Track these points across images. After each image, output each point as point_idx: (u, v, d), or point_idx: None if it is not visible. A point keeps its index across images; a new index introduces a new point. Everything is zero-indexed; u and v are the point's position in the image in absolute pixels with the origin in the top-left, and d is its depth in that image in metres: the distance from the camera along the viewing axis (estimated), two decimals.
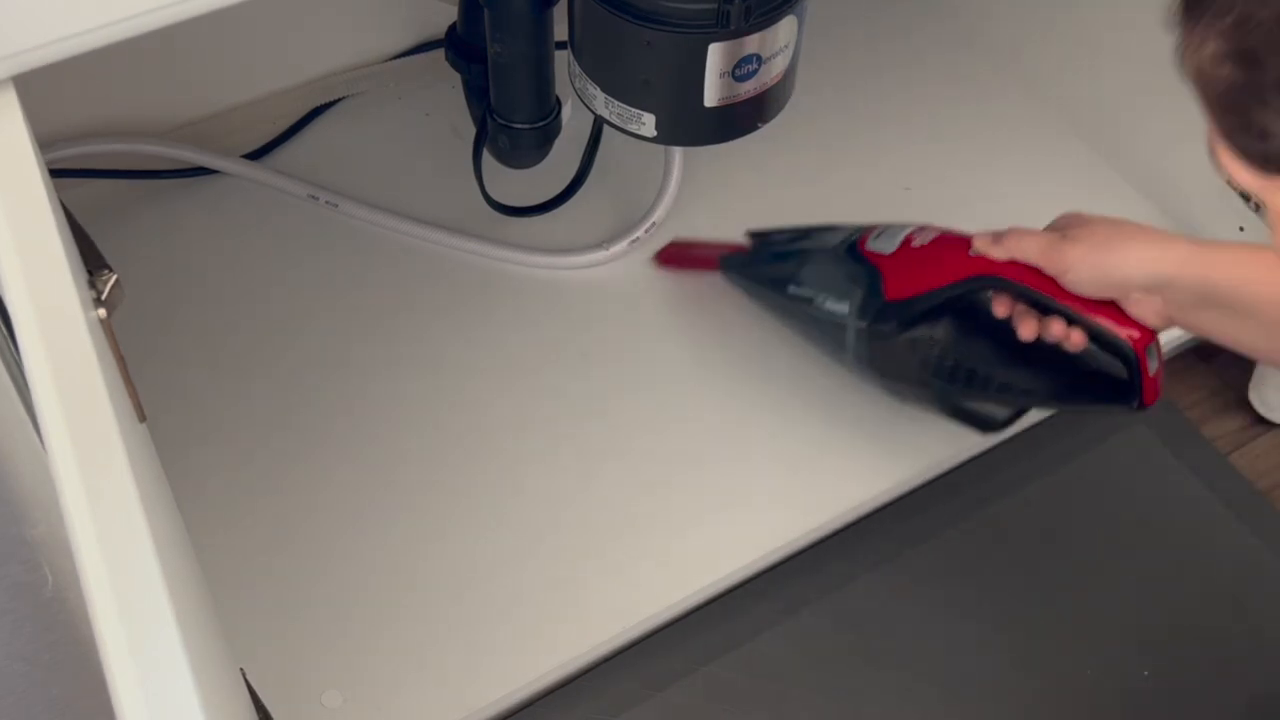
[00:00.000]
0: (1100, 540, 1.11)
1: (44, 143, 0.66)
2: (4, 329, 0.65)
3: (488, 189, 1.16)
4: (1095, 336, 0.92)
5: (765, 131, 1.02)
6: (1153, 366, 0.93)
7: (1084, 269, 0.90)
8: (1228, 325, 0.89)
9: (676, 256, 1.19)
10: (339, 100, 1.28)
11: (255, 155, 1.24)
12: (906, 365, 1.03)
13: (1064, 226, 0.95)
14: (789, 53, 0.98)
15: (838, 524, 1.08)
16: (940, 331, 1.00)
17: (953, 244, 0.99)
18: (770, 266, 1.12)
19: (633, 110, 0.99)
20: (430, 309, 1.16)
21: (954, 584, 1.07)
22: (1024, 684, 1.03)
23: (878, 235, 1.03)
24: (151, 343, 1.09)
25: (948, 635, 1.05)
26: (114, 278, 0.64)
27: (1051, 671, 1.04)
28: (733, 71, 0.95)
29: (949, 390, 1.03)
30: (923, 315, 0.99)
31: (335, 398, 1.10)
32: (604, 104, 1.00)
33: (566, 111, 1.11)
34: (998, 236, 0.95)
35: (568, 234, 1.20)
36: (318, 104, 1.27)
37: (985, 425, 1.07)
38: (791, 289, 1.08)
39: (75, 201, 0.71)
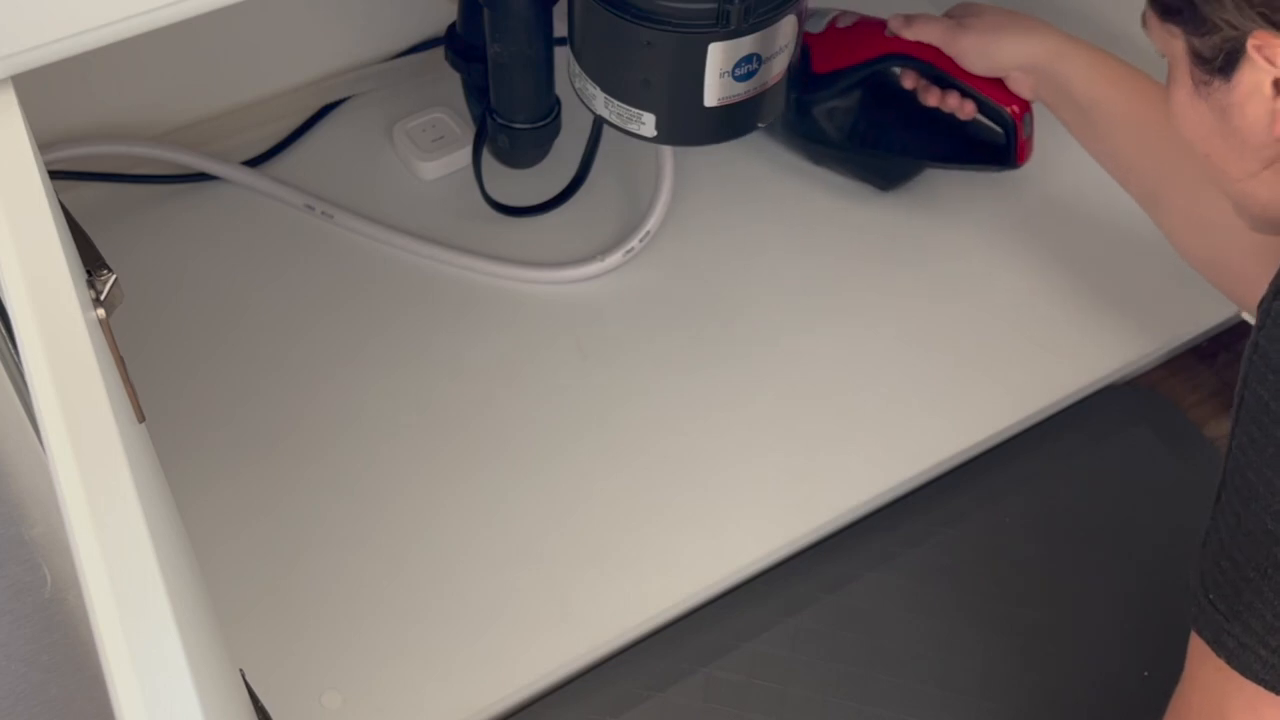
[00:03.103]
0: (1099, 540, 1.10)
1: (43, 144, 0.66)
2: (4, 329, 0.65)
3: (487, 189, 1.16)
4: (983, 108, 1.13)
5: (763, 133, 1.02)
6: (1027, 132, 1.14)
7: (974, 53, 1.09)
8: (1070, 115, 1.08)
9: None
10: (339, 102, 1.28)
11: (257, 159, 1.23)
12: (826, 130, 1.20)
13: (961, 15, 1.12)
14: (789, 52, 0.98)
15: (838, 524, 1.08)
16: (856, 101, 1.19)
17: (871, 26, 1.16)
18: None
19: (633, 110, 0.98)
20: (427, 317, 1.15)
21: (954, 584, 1.07)
22: (1024, 684, 1.03)
23: (808, 16, 1.12)
24: (151, 343, 1.09)
25: (947, 635, 1.05)
26: (113, 278, 0.64)
27: (1051, 671, 1.04)
28: (733, 71, 0.95)
29: (860, 152, 1.22)
30: (844, 87, 1.17)
31: (335, 399, 1.10)
32: (604, 104, 1.00)
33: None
34: (908, 19, 1.13)
35: (564, 245, 1.19)
36: (317, 106, 1.27)
37: (882, 183, 1.24)
38: None
39: (74, 203, 0.71)
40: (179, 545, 0.71)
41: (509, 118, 1.08)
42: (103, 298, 0.63)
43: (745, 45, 0.94)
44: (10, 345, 0.64)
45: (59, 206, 0.64)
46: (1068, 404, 1.16)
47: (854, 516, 1.09)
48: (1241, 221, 0.83)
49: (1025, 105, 1.12)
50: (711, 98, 0.97)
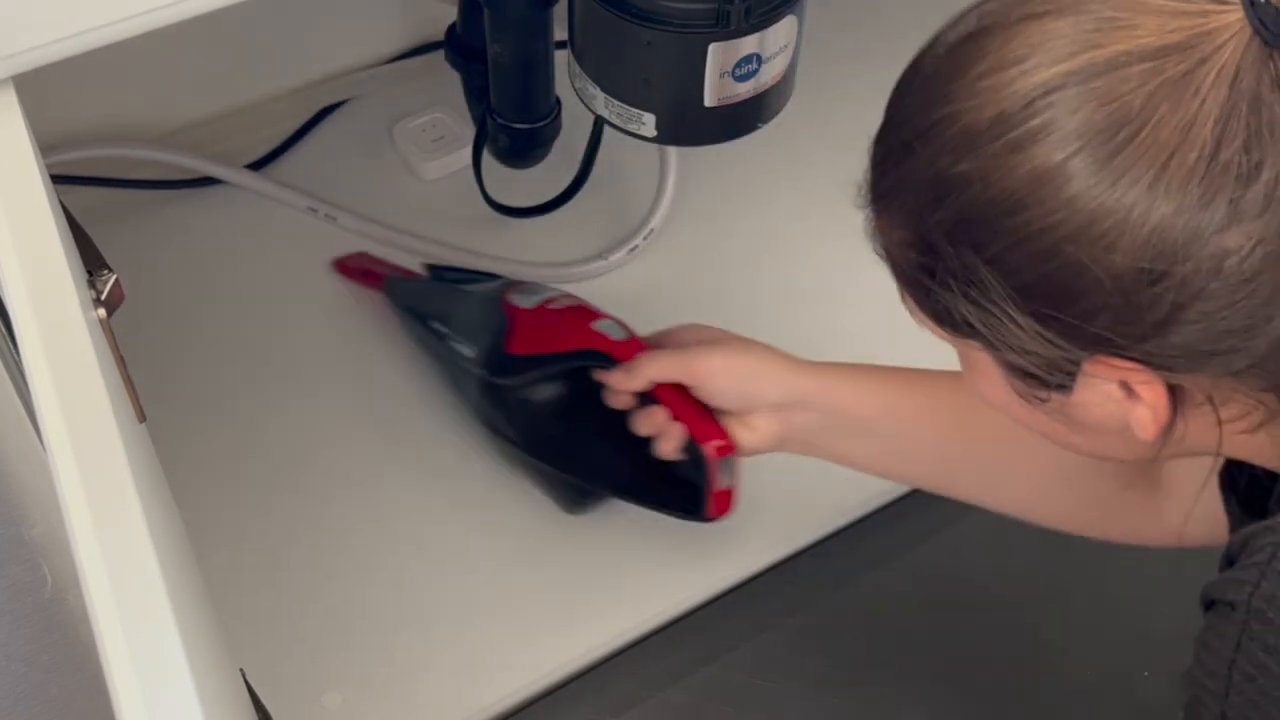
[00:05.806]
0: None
1: (44, 147, 0.66)
2: (4, 329, 0.65)
3: (488, 189, 1.16)
4: (686, 442, 0.92)
5: (763, 132, 1.02)
6: (724, 481, 0.93)
7: (724, 376, 0.90)
8: (853, 448, 0.91)
9: (353, 269, 1.16)
10: (339, 104, 1.28)
11: (258, 162, 1.23)
12: (511, 424, 1.03)
13: (687, 339, 0.93)
14: (789, 53, 0.98)
15: (838, 524, 1.08)
16: (549, 399, 1.01)
17: (582, 314, 0.99)
18: (423, 298, 1.11)
19: (633, 110, 0.98)
20: None
21: (954, 584, 1.07)
22: (1024, 683, 1.03)
23: (525, 290, 1.03)
24: (151, 343, 1.09)
25: (947, 635, 1.05)
26: (113, 278, 0.64)
27: (1051, 671, 1.04)
28: (732, 71, 0.95)
29: (541, 460, 1.03)
30: (537, 377, 1.00)
31: (336, 399, 1.10)
32: (604, 104, 1.00)
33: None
34: (630, 369, 0.92)
35: (565, 244, 1.20)
36: (317, 108, 1.27)
37: (566, 504, 1.04)
38: (433, 323, 1.07)
39: (75, 205, 0.71)
40: (179, 545, 0.71)
41: (509, 118, 1.08)
42: (103, 298, 0.63)
43: (745, 45, 0.94)
44: (10, 345, 0.64)
45: (59, 206, 0.64)
46: None
47: (854, 516, 1.09)
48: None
49: (730, 447, 0.91)
50: (711, 98, 0.96)
